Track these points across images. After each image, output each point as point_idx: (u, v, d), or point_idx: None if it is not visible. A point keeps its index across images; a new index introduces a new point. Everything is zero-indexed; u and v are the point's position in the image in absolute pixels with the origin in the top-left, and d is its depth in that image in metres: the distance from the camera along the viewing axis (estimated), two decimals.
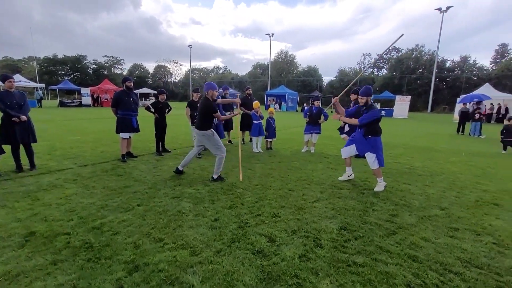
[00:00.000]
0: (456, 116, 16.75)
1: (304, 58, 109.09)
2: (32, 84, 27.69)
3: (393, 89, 39.93)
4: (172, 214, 3.10)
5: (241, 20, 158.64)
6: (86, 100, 28.64)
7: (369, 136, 4.10)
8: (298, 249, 2.44)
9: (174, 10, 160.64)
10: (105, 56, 68.22)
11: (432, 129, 14.64)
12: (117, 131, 5.64)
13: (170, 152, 6.62)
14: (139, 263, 2.17)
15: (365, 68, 56.89)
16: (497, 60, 41.13)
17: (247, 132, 8.38)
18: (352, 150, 4.38)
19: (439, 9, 31.89)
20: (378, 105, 28.63)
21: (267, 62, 55.35)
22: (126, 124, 5.58)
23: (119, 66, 70.41)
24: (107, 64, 67.54)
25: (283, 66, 64.14)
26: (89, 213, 3.06)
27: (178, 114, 16.00)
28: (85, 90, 29.19)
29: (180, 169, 4.66)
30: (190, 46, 60.12)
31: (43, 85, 28.24)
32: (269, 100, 35.55)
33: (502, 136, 7.94)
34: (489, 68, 41.35)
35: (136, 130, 5.83)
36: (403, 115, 25.05)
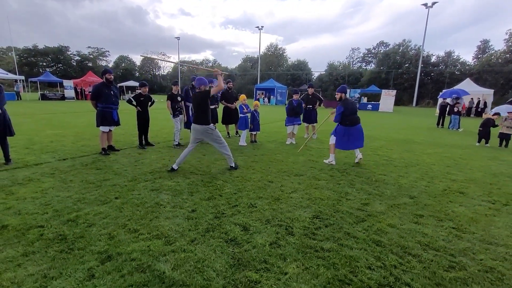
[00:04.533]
0: (437, 110, 17.28)
1: (295, 51, 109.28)
2: (10, 76, 26.54)
3: (380, 83, 40.65)
4: (149, 206, 3.14)
5: (232, 11, 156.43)
6: (69, 93, 27.74)
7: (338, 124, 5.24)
8: (270, 236, 2.54)
9: (162, 0, 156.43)
10: (88, 47, 65.67)
11: (415, 123, 15.09)
12: (97, 125, 5.56)
13: (153, 145, 6.59)
14: (112, 253, 2.21)
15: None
16: (479, 56, 42.37)
17: (231, 126, 8.42)
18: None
19: (425, 4, 32.43)
20: (365, 99, 29.13)
21: (257, 55, 55.01)
22: (106, 117, 5.50)
23: (104, 58, 68.20)
24: (91, 56, 65.25)
25: (273, 59, 63.89)
26: (65, 206, 3.05)
27: (164, 108, 15.77)
28: (68, 83, 28.24)
29: (175, 167, 4.55)
30: (178, 38, 58.97)
31: (22, 77, 27.06)
32: (258, 94, 35.53)
33: (481, 128, 8.23)
34: (471, 63, 42.61)
35: (117, 123, 5.76)
36: (388, 109, 25.60)
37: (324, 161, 5.40)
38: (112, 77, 5.68)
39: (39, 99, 26.26)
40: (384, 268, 2.12)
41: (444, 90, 18.75)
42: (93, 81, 29.37)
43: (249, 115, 7.04)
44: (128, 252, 2.23)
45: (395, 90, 27.32)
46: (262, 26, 44.62)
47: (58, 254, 2.16)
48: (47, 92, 29.34)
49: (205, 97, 4.36)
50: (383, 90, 26.97)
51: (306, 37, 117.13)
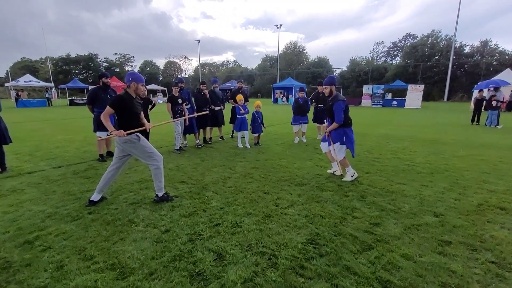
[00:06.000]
0: (472, 104, 15.62)
1: (316, 48, 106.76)
2: (42, 83, 28.32)
3: (407, 77, 38.22)
4: (121, 224, 2.78)
5: (252, 12, 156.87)
6: None
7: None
8: (247, 270, 2.05)
9: (185, 5, 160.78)
10: (116, 53, 69.11)
11: (445, 119, 13.68)
12: (94, 130, 5.39)
13: None
14: None
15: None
16: None
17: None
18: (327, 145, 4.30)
19: None
20: (389, 95, 27.41)
21: (276, 54, 54.24)
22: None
23: (130, 63, 71.26)
24: (118, 62, 68.46)
25: (293, 57, 62.77)
26: (31, 223, 2.78)
27: None
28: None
29: (96, 199, 3.25)
30: (198, 41, 59.81)
31: (52, 85, 28.77)
32: (277, 93, 34.88)
33: None
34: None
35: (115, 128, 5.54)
36: (416, 105, 23.80)
37: (346, 179, 4.10)
38: (109, 80, 5.48)
39: (67, 104, 27.73)
40: None
41: (479, 82, 16.93)
42: (117, 86, 30.58)
43: (247, 116, 6.57)
44: None
45: (423, 85, 25.37)
46: (280, 25, 43.80)
47: None
48: (75, 98, 30.94)
49: (122, 101, 3.09)
50: (409, 85, 25.12)
51: (328, 34, 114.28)
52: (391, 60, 52.67)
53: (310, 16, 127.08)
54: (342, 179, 4.11)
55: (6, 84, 29.60)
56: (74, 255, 2.24)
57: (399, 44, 51.74)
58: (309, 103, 7.36)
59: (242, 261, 2.16)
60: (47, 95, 27.95)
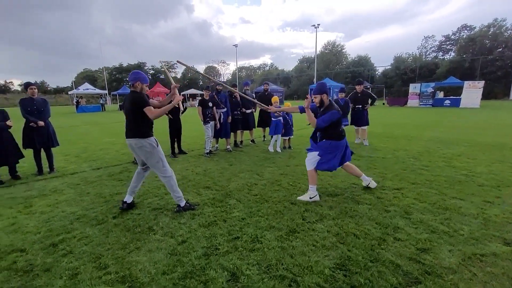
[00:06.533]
0: None
1: (357, 46, 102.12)
2: (97, 91, 31.55)
3: (462, 74, 34.21)
4: (140, 231, 2.72)
5: (290, 14, 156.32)
6: None
7: (324, 140, 3.42)
8: None
9: (225, 12, 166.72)
10: (161, 61, 74.27)
11: (510, 120, 11.72)
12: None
13: (186, 153, 6.41)
14: None
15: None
16: None
17: (267, 129, 7.79)
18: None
19: None
20: (441, 94, 24.72)
21: (314, 55, 52.97)
22: None
23: (173, 70, 75.96)
24: (162, 69, 73.49)
25: (331, 57, 60.71)
26: (61, 225, 2.88)
27: None
28: None
29: (129, 201, 3.24)
30: (236, 46, 61.23)
31: (105, 92, 31.85)
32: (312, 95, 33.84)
33: None
34: None
35: None
36: (473, 104, 21.04)
37: (302, 197, 3.44)
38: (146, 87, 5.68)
39: (118, 109, 30.40)
40: None
41: None
42: (160, 91, 32.73)
43: (281, 118, 6.26)
44: None
45: (483, 81, 22.34)
46: (318, 24, 42.37)
47: None
48: None
49: (136, 100, 2.93)
50: (465, 82, 22.34)
51: (370, 31, 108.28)
52: (442, 55, 47.78)
53: (350, 13, 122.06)
54: (298, 197, 3.45)
55: (69, 92, 33.80)
56: (90, 262, 2.21)
57: (452, 37, 46.67)
58: (349, 104, 6.85)
59: (258, 285, 1.90)
60: (101, 101, 31.03)
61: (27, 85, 4.86)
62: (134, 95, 2.99)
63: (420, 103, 24.56)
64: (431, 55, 49.01)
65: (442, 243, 2.38)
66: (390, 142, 7.20)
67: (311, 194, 3.41)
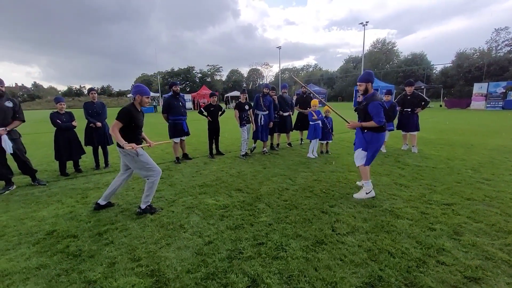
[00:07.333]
0: None
1: (411, 44, 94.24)
2: (151, 94, 34.66)
3: None
4: (172, 228, 2.89)
5: (336, 12, 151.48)
6: (188, 104, 33.51)
7: (365, 131, 3.51)
8: None
9: (270, 14, 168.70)
10: (208, 65, 78.44)
11: None
12: (170, 137, 6.00)
13: (223, 154, 6.62)
14: (97, 286, 2.00)
15: None
16: None
17: (305, 132, 7.60)
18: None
19: None
20: (485, 95, 21.29)
21: (361, 54, 50.27)
22: (178, 129, 5.88)
23: (219, 73, 79.63)
24: (209, 72, 77.50)
25: (380, 56, 56.89)
26: (107, 217, 3.21)
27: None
28: (187, 96, 34.18)
29: (102, 203, 3.42)
30: (279, 48, 61.31)
31: (157, 94, 34.81)
32: (358, 96, 32.05)
33: None
34: None
35: (187, 133, 6.09)
36: None
37: (358, 195, 3.55)
38: (179, 88, 6.04)
39: None
40: None
41: None
42: (206, 94, 34.52)
43: (319, 122, 6.03)
44: None
45: None
46: (367, 22, 40.03)
47: (57, 277, 2.13)
48: None
49: (127, 113, 3.07)
50: None
51: (428, 25, 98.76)
52: None
53: (404, 7, 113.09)
54: (354, 195, 3.59)
55: (128, 95, 37.90)
56: (126, 253, 2.42)
57: None
58: (396, 107, 6.31)
59: None
60: (154, 103, 33.92)
61: (89, 90, 5.56)
62: (125, 106, 3.19)
63: (487, 106, 21.46)
64: (503, 50, 42.39)
65: (500, 273, 2.03)
66: (444, 150, 6.43)
67: (367, 189, 3.53)
